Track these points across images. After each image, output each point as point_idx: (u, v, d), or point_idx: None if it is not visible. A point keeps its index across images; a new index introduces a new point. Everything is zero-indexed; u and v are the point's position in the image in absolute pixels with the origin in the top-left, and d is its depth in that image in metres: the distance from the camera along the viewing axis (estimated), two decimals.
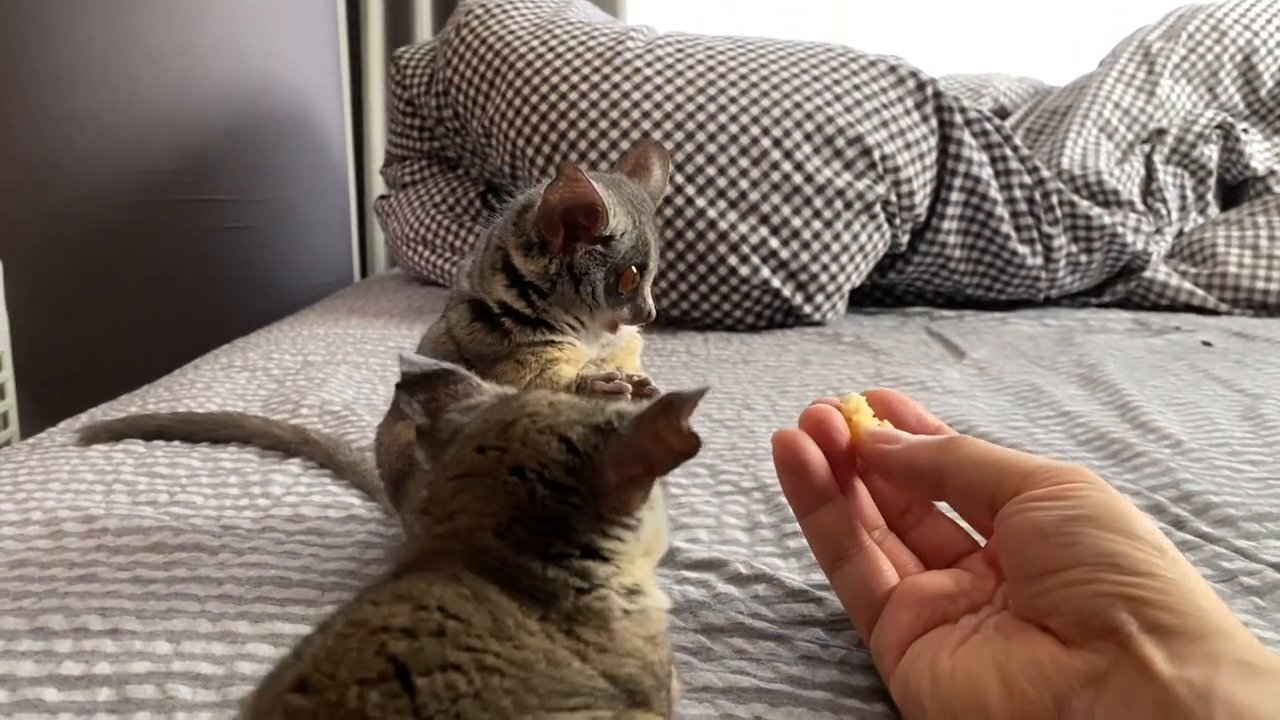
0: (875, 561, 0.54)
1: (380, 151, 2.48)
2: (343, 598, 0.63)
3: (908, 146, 1.60)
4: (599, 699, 0.34)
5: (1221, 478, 0.86)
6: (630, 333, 0.71)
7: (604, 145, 1.55)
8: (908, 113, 1.63)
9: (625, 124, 1.55)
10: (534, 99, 1.62)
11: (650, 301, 0.66)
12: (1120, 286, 1.83)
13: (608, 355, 0.70)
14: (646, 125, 1.55)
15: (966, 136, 1.65)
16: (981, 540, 0.55)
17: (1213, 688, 0.37)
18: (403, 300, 1.83)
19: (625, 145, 1.54)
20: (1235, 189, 2.04)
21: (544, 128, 1.60)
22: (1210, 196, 1.99)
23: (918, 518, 0.58)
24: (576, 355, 0.66)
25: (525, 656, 0.33)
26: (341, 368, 1.27)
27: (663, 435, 0.36)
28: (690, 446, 0.36)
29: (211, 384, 1.17)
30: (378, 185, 2.48)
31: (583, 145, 1.56)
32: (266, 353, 1.36)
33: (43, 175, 1.89)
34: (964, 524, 0.56)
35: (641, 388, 0.63)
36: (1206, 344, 1.50)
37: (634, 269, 0.64)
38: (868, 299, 1.80)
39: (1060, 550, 0.43)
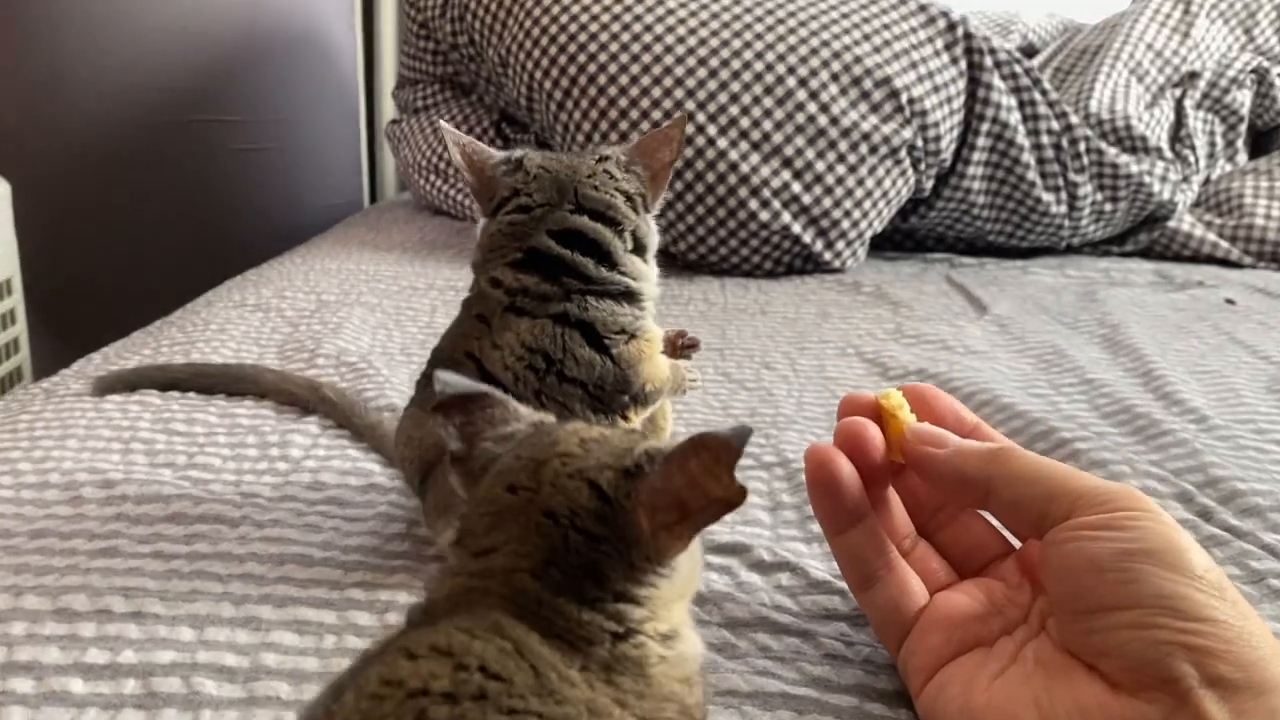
0: (905, 582, 0.52)
1: (392, 73, 2.42)
2: (365, 578, 0.62)
3: (936, 89, 1.56)
4: None
5: (1247, 459, 0.85)
6: None
7: (624, 80, 1.51)
8: (937, 54, 1.58)
9: (647, 59, 1.51)
10: (552, 29, 1.58)
11: None
12: (1144, 236, 1.80)
13: None
14: (668, 60, 1.51)
15: (996, 80, 1.61)
16: (1016, 542, 0.55)
17: None
18: (415, 232, 1.80)
19: (645, 81, 1.50)
20: (1266, 135, 2.00)
21: (562, 60, 1.55)
22: (1240, 143, 1.94)
23: (949, 516, 0.56)
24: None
25: (566, 713, 0.32)
26: (356, 310, 1.25)
27: (699, 480, 0.35)
28: (734, 496, 0.35)
29: (225, 326, 1.16)
30: (388, 107, 2.43)
31: (601, 80, 1.52)
32: (280, 290, 1.35)
33: (51, 95, 1.85)
34: (996, 523, 0.55)
35: (681, 338, 0.71)
36: (1230, 302, 1.48)
37: None
38: (888, 242, 1.77)
39: (1117, 588, 0.41)
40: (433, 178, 1.94)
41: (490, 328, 0.65)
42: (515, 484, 0.37)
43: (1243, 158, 1.96)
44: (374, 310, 1.27)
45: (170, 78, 1.93)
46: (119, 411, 0.88)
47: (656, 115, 1.49)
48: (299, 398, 0.90)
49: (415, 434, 0.68)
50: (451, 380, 0.41)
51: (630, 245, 0.66)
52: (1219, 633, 0.39)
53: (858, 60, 1.53)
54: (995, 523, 0.55)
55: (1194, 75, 1.91)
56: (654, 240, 0.68)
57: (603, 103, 1.51)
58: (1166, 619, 0.40)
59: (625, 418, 0.65)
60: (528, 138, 1.81)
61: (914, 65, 1.55)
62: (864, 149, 1.51)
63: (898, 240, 1.79)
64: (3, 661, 0.53)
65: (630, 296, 0.65)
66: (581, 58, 1.54)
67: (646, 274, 0.67)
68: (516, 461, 0.38)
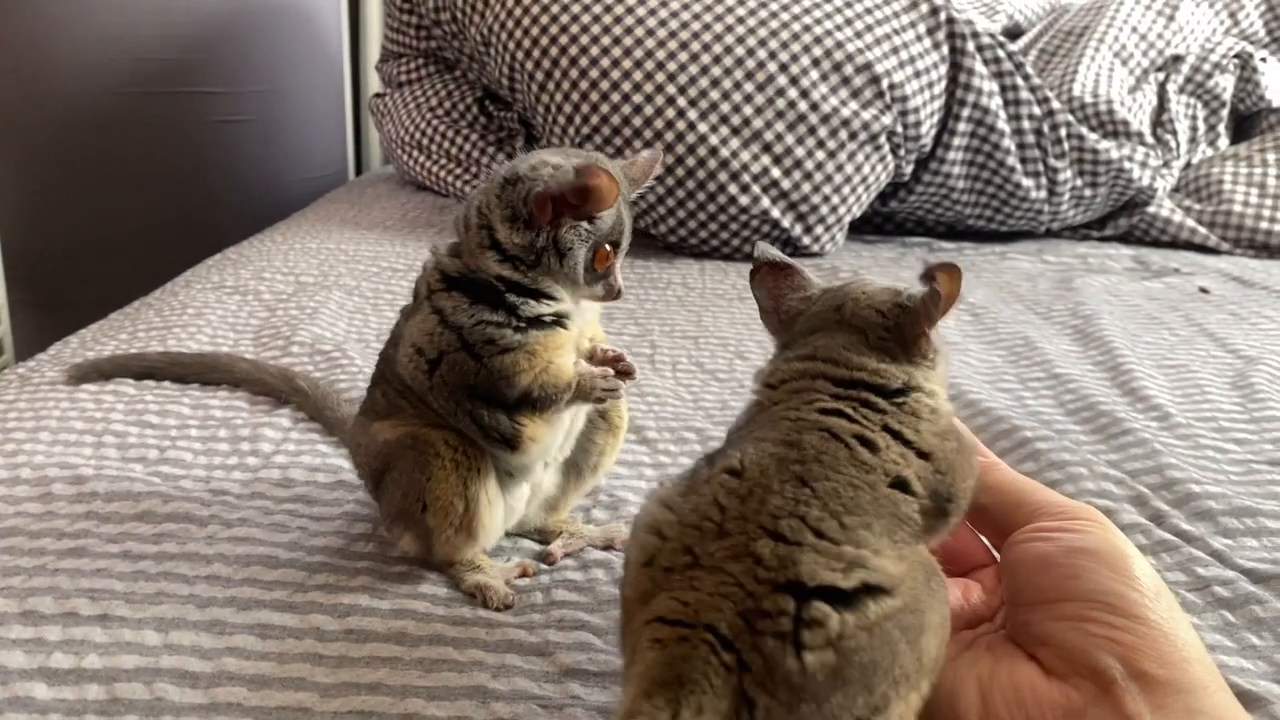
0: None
1: (376, 45, 2.41)
2: (329, 580, 0.64)
3: (917, 75, 1.56)
4: (906, 527, 0.46)
5: (1205, 460, 0.87)
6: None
7: (605, 63, 1.51)
8: (919, 39, 1.58)
9: (628, 41, 1.51)
10: (534, 10, 1.57)
11: (620, 280, 0.66)
12: (1123, 220, 1.81)
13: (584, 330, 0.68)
14: (650, 44, 1.50)
15: (978, 65, 1.61)
16: (998, 555, 0.56)
17: None
18: (396, 209, 1.80)
19: (627, 64, 1.50)
20: (1247, 120, 2.00)
21: (544, 41, 1.55)
22: (1221, 128, 1.95)
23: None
24: (571, 340, 0.65)
25: (870, 479, 0.46)
26: (334, 293, 1.26)
27: (931, 314, 0.50)
28: (945, 301, 0.49)
29: (203, 310, 1.16)
30: (373, 80, 2.42)
31: (583, 62, 1.52)
32: (258, 270, 1.35)
33: (31, 63, 1.84)
34: (984, 538, 0.57)
35: (616, 363, 0.67)
36: (1204, 290, 1.49)
37: (609, 247, 0.63)
38: (867, 225, 1.77)
39: (1061, 582, 0.45)
40: (415, 153, 1.93)
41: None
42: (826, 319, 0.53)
43: (1224, 143, 1.97)
44: (351, 294, 1.27)
45: (152, 48, 1.92)
46: (93, 402, 0.89)
47: (637, 99, 1.49)
48: (273, 388, 0.91)
49: (363, 440, 0.69)
50: (766, 250, 0.57)
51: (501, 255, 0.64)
52: (1148, 631, 0.42)
53: (839, 45, 1.52)
54: (984, 539, 0.57)
55: (1178, 59, 1.91)
56: (567, 254, 0.63)
57: (584, 85, 1.51)
58: (1101, 613, 0.43)
59: (517, 422, 0.63)
60: (511, 115, 1.81)
61: (895, 51, 1.55)
62: (844, 134, 1.51)
63: (877, 223, 1.79)
64: None
65: (505, 305, 0.63)
66: (563, 39, 1.53)
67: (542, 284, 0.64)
68: (823, 307, 0.53)
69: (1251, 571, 0.68)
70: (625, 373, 0.67)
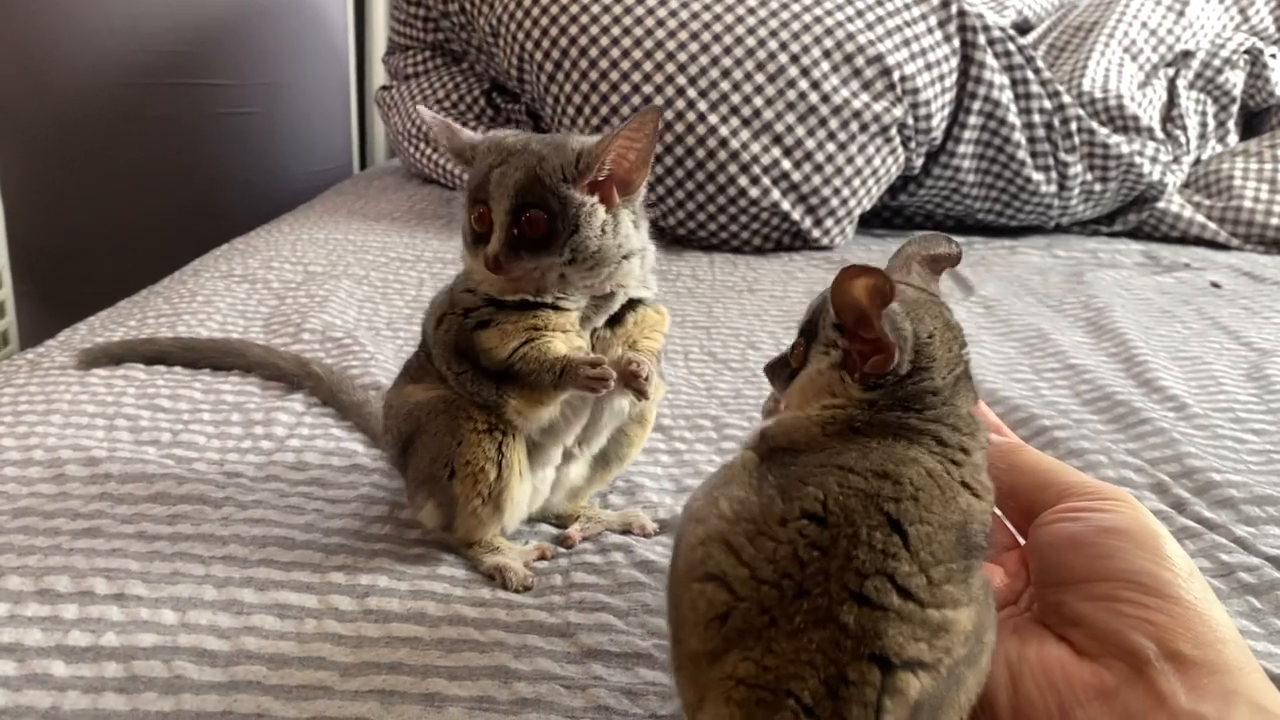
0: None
1: (382, 38, 2.40)
2: (346, 562, 0.63)
3: (928, 67, 1.56)
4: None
5: (1225, 450, 0.86)
6: (647, 310, 0.67)
7: (615, 53, 1.50)
8: (930, 31, 1.58)
9: (639, 32, 1.50)
10: (544, 0, 1.57)
11: (492, 249, 0.61)
12: (1132, 216, 1.80)
13: (617, 332, 0.65)
14: (660, 34, 1.50)
15: (989, 58, 1.61)
16: (1023, 540, 0.56)
17: None
18: (404, 201, 1.79)
19: (637, 55, 1.49)
20: (1257, 116, 2.00)
21: (554, 32, 1.54)
22: (1231, 124, 1.94)
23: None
24: (564, 324, 0.63)
25: (949, 514, 0.43)
26: (343, 282, 1.25)
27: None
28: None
29: (211, 298, 1.16)
30: (379, 73, 2.41)
31: (593, 53, 1.51)
32: (267, 260, 1.34)
33: (36, 55, 1.83)
34: (1008, 523, 0.56)
35: (631, 379, 0.60)
36: (1215, 285, 1.48)
37: (480, 205, 0.61)
38: (876, 219, 1.77)
39: (1092, 562, 0.44)
40: (422, 145, 1.93)
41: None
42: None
43: (1234, 139, 1.96)
44: (361, 283, 1.27)
45: (159, 40, 1.92)
46: (104, 386, 0.88)
47: (648, 89, 1.48)
48: (286, 372, 0.90)
49: (396, 402, 0.68)
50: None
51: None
52: (1182, 612, 0.41)
53: (850, 37, 1.52)
54: (1007, 523, 0.55)
55: (1188, 54, 1.91)
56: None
57: (594, 75, 1.51)
58: (1134, 593, 0.42)
59: (503, 394, 0.62)
60: (519, 107, 1.80)
61: (907, 43, 1.55)
62: (854, 126, 1.51)
63: (886, 217, 1.78)
64: None
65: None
66: (573, 30, 1.53)
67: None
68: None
69: (1276, 559, 0.67)
70: (636, 390, 0.61)
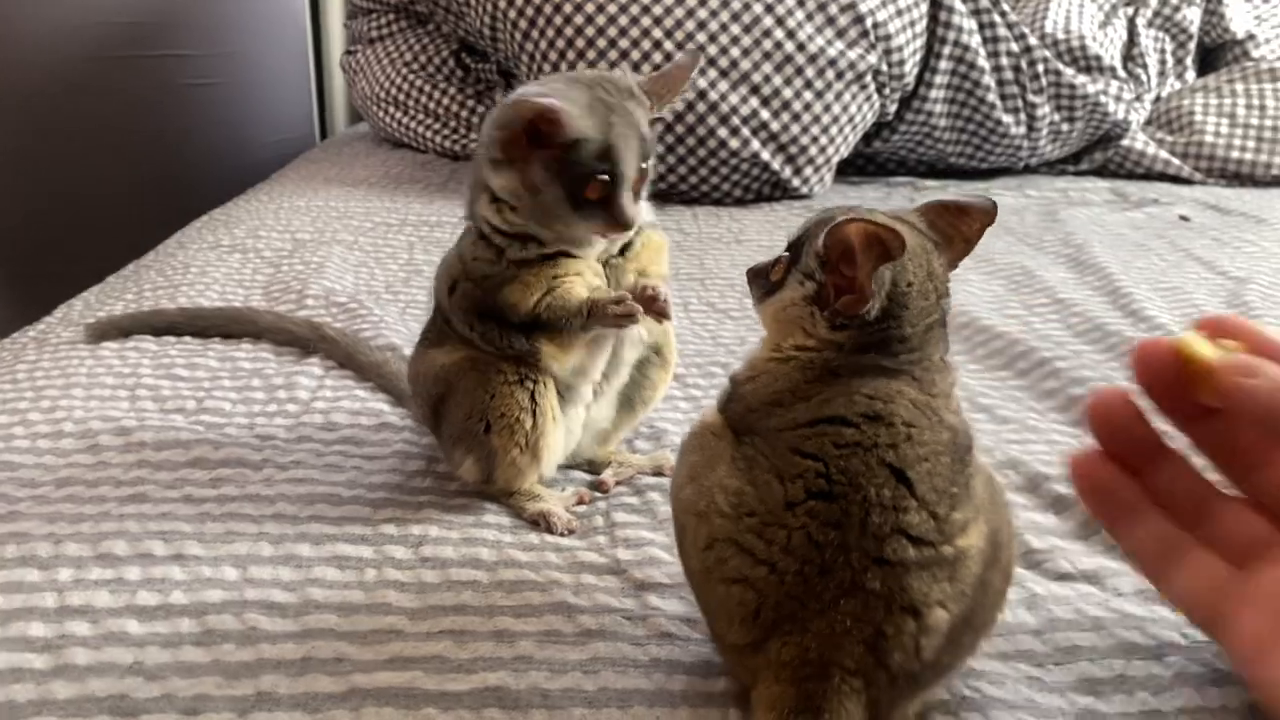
0: (1206, 566, 0.49)
1: (337, 2, 2.37)
2: (395, 514, 0.64)
3: (899, 13, 1.57)
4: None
5: None
6: (650, 233, 0.69)
7: (590, 9, 1.50)
8: None
9: None
10: None
11: (627, 209, 0.62)
12: (1098, 154, 1.84)
13: (629, 258, 0.68)
14: None
15: (957, 3, 1.62)
16: None
17: None
18: (379, 166, 1.78)
19: (612, 9, 1.49)
20: (1213, 52, 2.04)
21: None
22: (1189, 61, 1.98)
23: (1215, 510, 0.51)
24: (580, 267, 0.65)
25: (940, 436, 0.46)
26: (334, 249, 1.25)
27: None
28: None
29: (206, 269, 1.15)
30: (335, 38, 2.38)
31: (568, 9, 1.51)
32: (252, 229, 1.34)
33: None
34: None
35: (651, 303, 0.63)
36: (1184, 218, 1.53)
37: (598, 178, 0.61)
38: (850, 167, 1.78)
39: None
40: (392, 109, 1.91)
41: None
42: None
43: (1191, 75, 2.00)
44: (351, 249, 1.27)
45: (115, 11, 1.88)
46: (118, 359, 0.88)
47: (624, 44, 1.48)
48: (299, 337, 0.91)
49: (421, 368, 0.70)
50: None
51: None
52: None
53: None
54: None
55: None
56: (541, 192, 0.62)
57: (569, 31, 1.51)
58: None
59: (534, 343, 0.64)
60: (489, 67, 1.80)
61: None
62: (830, 74, 1.52)
63: (860, 165, 1.80)
64: (56, 606, 0.54)
65: (495, 246, 0.65)
66: None
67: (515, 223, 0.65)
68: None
69: None
70: (658, 313, 0.64)
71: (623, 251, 0.67)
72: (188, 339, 0.93)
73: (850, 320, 0.47)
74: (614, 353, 0.68)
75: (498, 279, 0.65)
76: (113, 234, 1.77)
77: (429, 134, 1.86)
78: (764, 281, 0.52)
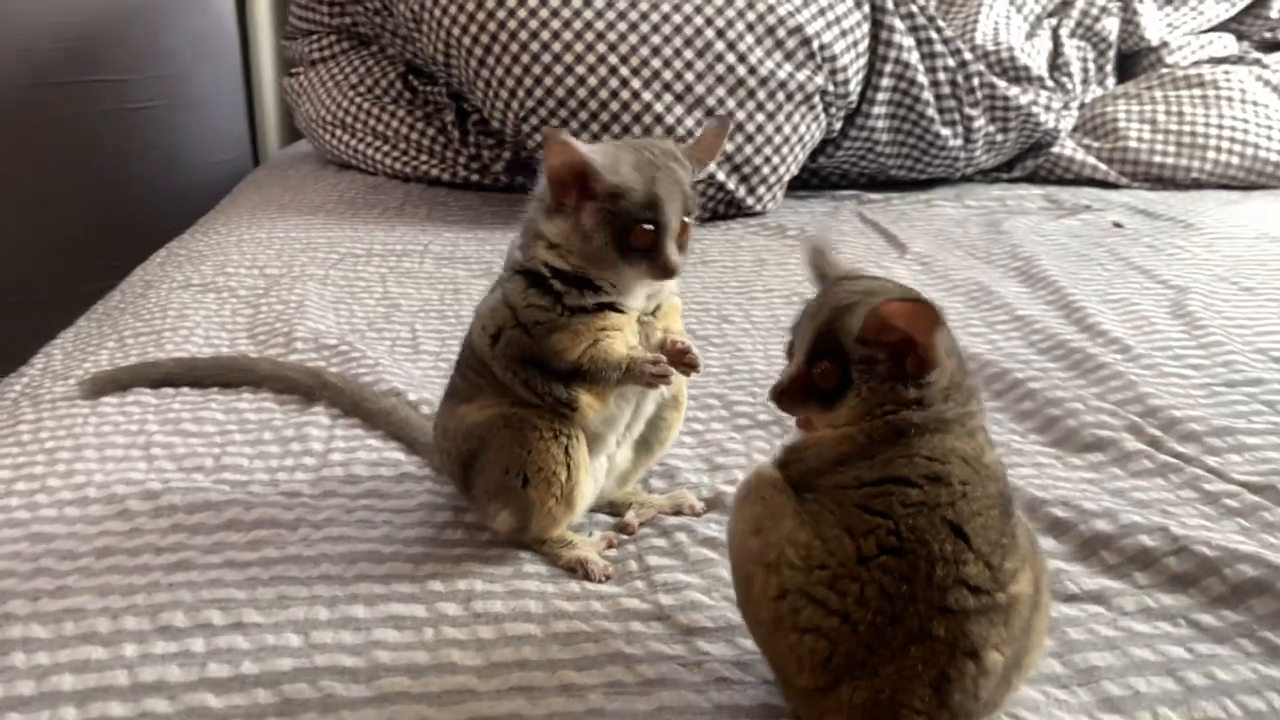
0: None
1: (266, 23, 2.34)
2: (437, 570, 0.67)
3: (844, 34, 1.62)
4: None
5: (1174, 387, 0.96)
6: (669, 294, 0.74)
7: (545, 36, 1.52)
8: None
9: (567, 13, 1.52)
10: None
11: (671, 257, 0.66)
12: (1030, 161, 1.92)
13: (658, 317, 0.72)
14: (588, 15, 1.52)
15: (896, 21, 1.68)
16: None
17: None
18: (331, 191, 1.78)
19: (567, 36, 1.51)
20: (1129, 59, 2.13)
21: (480, 16, 1.55)
22: (1109, 68, 2.07)
23: None
24: (622, 323, 0.69)
25: (989, 490, 0.50)
26: (308, 285, 1.25)
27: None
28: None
29: (184, 312, 1.15)
30: (264, 58, 2.35)
31: (523, 36, 1.53)
32: (219, 265, 1.33)
33: None
34: None
35: (681, 357, 0.69)
36: (1117, 225, 1.61)
37: (643, 226, 0.65)
38: (796, 181, 1.83)
39: None
40: (338, 131, 1.91)
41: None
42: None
43: (1111, 82, 2.09)
44: (325, 284, 1.27)
45: (40, 38, 1.84)
46: (121, 415, 0.88)
47: (580, 70, 1.51)
48: (300, 384, 0.92)
49: (450, 424, 0.72)
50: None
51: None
52: None
53: (771, 9, 1.57)
54: None
55: (1066, 4, 2.04)
56: (589, 237, 0.67)
57: (525, 59, 1.53)
58: None
59: (573, 391, 0.67)
60: (438, 89, 1.80)
61: (823, 11, 1.61)
62: (780, 96, 1.57)
63: (805, 179, 1.85)
64: (129, 684, 0.56)
65: (553, 292, 0.68)
66: (501, 13, 1.54)
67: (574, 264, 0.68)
68: None
69: (1249, 484, 0.77)
70: (689, 365, 0.69)
71: (653, 311, 0.71)
72: (185, 390, 0.94)
73: (922, 382, 0.51)
74: (638, 403, 0.72)
75: (549, 325, 0.67)
76: (57, 267, 1.75)
77: (379, 156, 1.86)
78: (812, 393, 0.55)
